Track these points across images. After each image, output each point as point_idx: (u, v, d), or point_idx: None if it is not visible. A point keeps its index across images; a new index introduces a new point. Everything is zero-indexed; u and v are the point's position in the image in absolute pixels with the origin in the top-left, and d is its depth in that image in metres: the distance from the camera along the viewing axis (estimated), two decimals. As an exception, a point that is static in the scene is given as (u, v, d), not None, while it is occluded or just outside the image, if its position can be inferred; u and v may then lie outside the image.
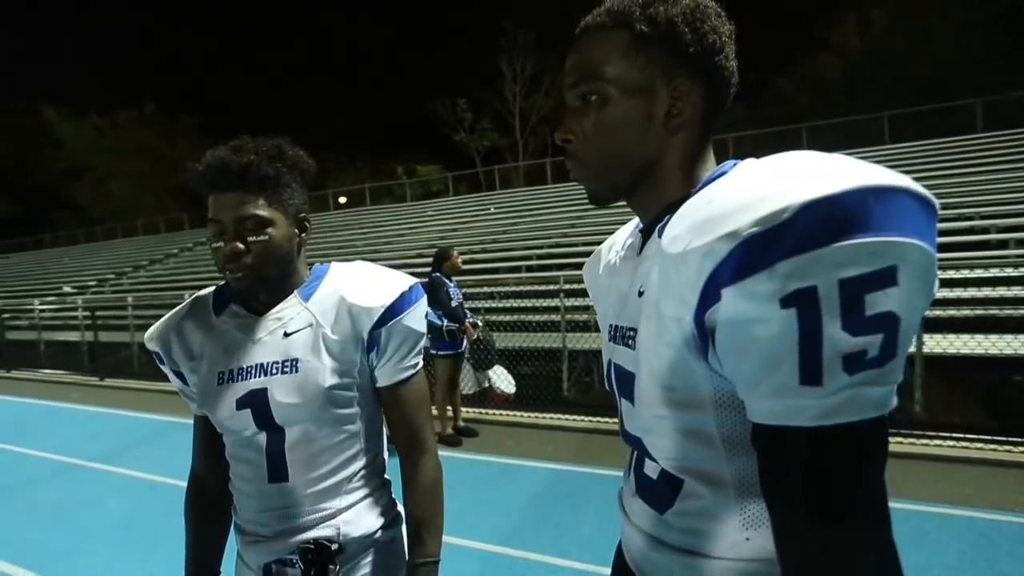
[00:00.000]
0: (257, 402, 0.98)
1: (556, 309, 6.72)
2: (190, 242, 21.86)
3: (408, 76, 58.34)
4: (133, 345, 9.81)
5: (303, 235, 1.04)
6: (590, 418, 5.25)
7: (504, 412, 5.64)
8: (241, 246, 0.93)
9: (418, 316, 1.05)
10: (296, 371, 0.98)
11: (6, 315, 11.96)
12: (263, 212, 0.95)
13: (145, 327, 10.36)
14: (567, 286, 6.55)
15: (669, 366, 0.59)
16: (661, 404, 0.62)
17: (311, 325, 1.00)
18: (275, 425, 0.98)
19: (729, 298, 0.48)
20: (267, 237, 0.95)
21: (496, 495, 3.73)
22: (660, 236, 0.60)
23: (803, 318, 0.44)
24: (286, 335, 1.00)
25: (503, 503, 3.60)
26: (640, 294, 0.65)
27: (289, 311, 1.02)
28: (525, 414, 5.55)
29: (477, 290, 7.54)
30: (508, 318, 7.38)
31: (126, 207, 33.73)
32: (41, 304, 12.35)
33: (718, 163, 0.70)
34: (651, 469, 0.69)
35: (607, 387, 0.79)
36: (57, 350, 11.16)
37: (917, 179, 0.45)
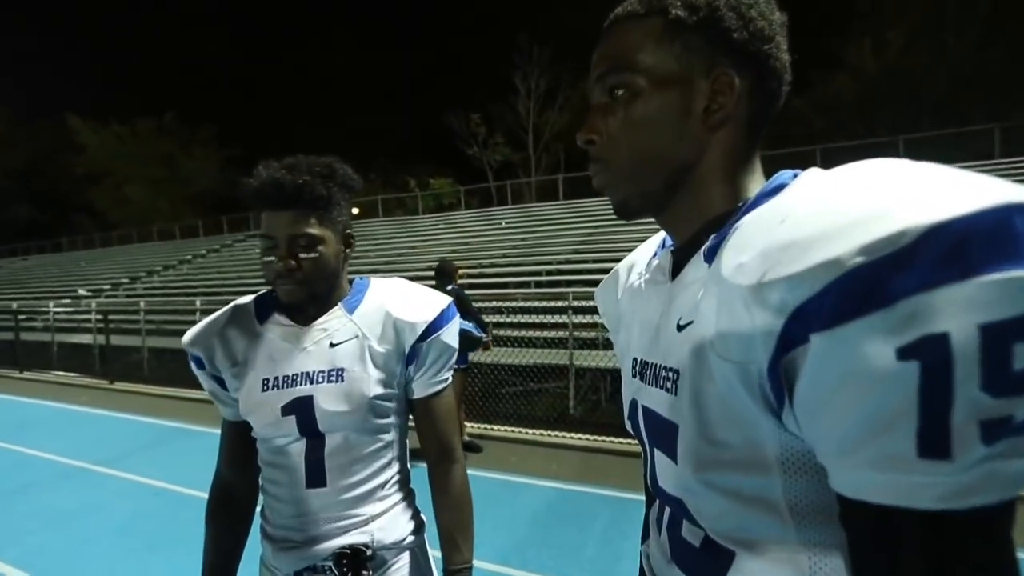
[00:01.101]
0: (302, 409, 1.01)
1: (564, 326, 6.70)
2: (204, 249, 22.12)
3: (422, 90, 59.12)
4: (143, 349, 9.90)
5: (348, 250, 1.08)
6: (596, 437, 5.19)
7: (509, 428, 5.60)
8: (294, 263, 0.97)
9: (453, 332, 1.11)
10: (342, 380, 1.02)
11: (21, 316, 12.12)
12: (315, 231, 0.99)
13: (156, 332, 10.50)
14: (576, 303, 6.54)
15: (725, 419, 0.49)
16: (712, 464, 0.51)
17: (357, 337, 1.04)
18: (317, 432, 1.02)
19: (822, 345, 0.38)
20: (318, 254, 0.99)
21: (498, 512, 3.69)
22: (708, 261, 0.53)
23: (928, 373, 0.34)
24: (332, 345, 1.04)
25: (506, 521, 3.55)
26: (680, 327, 0.55)
27: (334, 322, 1.05)
28: (530, 431, 5.51)
29: (486, 304, 7.54)
30: (516, 333, 7.37)
31: (142, 213, 34.29)
32: (56, 306, 12.52)
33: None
34: (692, 535, 0.58)
35: (630, 430, 0.70)
36: (69, 352, 11.28)
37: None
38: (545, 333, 7.12)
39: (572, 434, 5.34)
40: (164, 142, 35.94)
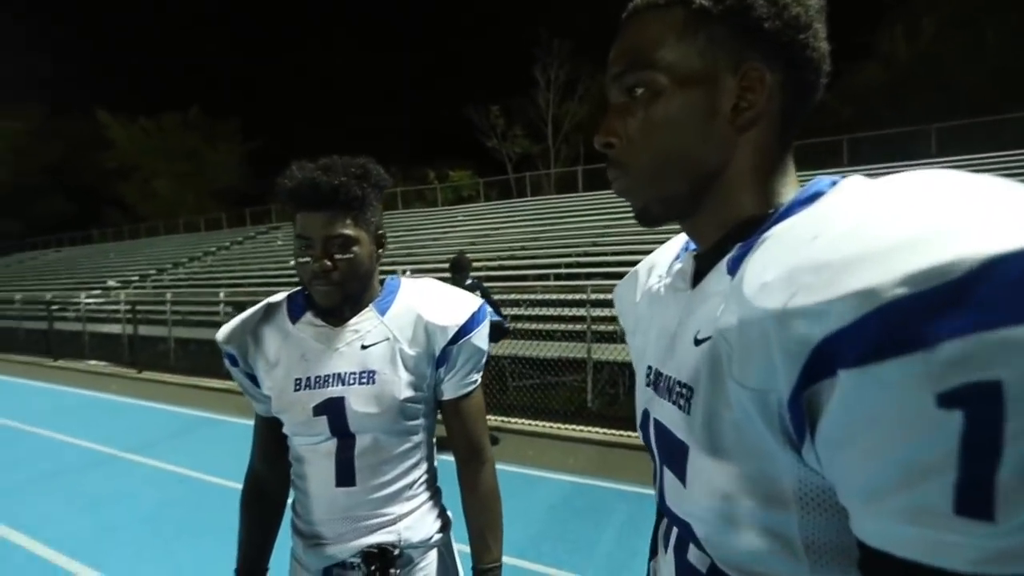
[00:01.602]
0: (334, 410, 1.02)
1: (582, 319, 6.67)
2: (227, 241, 22.52)
3: (443, 82, 59.12)
4: (170, 339, 10.14)
5: (380, 251, 1.10)
6: (613, 431, 5.18)
7: (526, 421, 5.62)
8: (329, 263, 0.98)
9: (484, 335, 1.11)
10: (373, 383, 1.03)
11: (55, 307, 12.51)
12: (350, 232, 0.99)
13: (182, 323, 10.74)
14: (594, 296, 6.50)
15: (740, 448, 0.45)
16: (724, 493, 0.47)
17: (388, 339, 1.05)
18: (348, 432, 1.03)
19: (851, 382, 0.34)
20: (353, 255, 1.00)
21: (514, 506, 3.68)
22: (731, 273, 0.48)
23: (973, 424, 0.30)
24: (364, 347, 1.05)
25: (521, 514, 3.57)
26: (697, 342, 0.51)
27: (366, 324, 1.06)
28: (547, 424, 5.52)
29: (505, 297, 7.54)
30: (534, 326, 7.37)
31: (169, 206, 35.03)
32: (87, 297, 12.90)
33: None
34: (698, 560, 0.55)
35: (641, 439, 0.67)
36: (100, 342, 11.62)
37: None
38: (563, 326, 7.10)
39: (589, 428, 5.33)
40: (189, 136, 36.60)
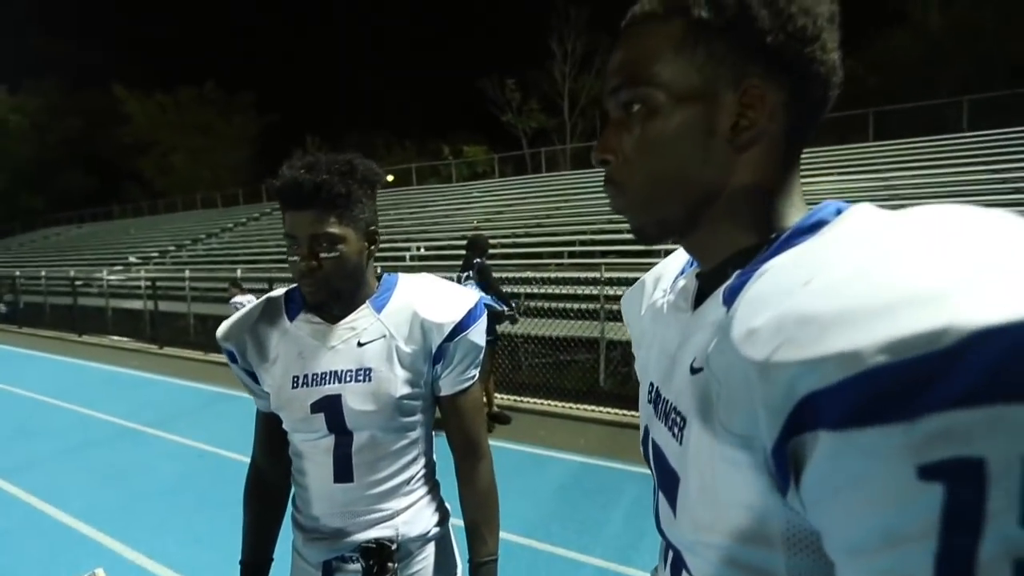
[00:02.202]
0: (331, 407, 1.03)
1: (596, 297, 6.64)
2: (244, 217, 22.73)
3: (457, 55, 58.20)
4: (189, 315, 10.33)
5: (372, 247, 1.07)
6: (624, 411, 5.19)
7: (538, 400, 5.66)
8: (315, 263, 0.98)
9: (481, 331, 1.10)
10: (370, 380, 1.03)
11: (79, 283, 12.79)
12: (335, 230, 0.98)
13: (201, 299, 10.93)
14: (608, 275, 6.46)
15: (728, 487, 0.44)
16: (710, 528, 0.47)
17: (384, 336, 1.05)
18: (345, 429, 1.03)
19: (831, 444, 0.33)
20: (339, 253, 0.99)
21: (525, 485, 3.76)
22: (727, 304, 0.47)
23: (954, 499, 0.30)
24: (360, 345, 1.04)
25: (531, 494, 3.62)
26: (693, 371, 0.50)
27: (362, 321, 1.06)
28: (559, 403, 5.55)
29: (518, 275, 7.53)
30: (547, 304, 7.36)
31: (186, 181, 35.30)
32: (109, 273, 13.15)
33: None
34: None
35: (642, 454, 0.66)
36: (122, 317, 11.90)
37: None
38: (577, 304, 7.08)
39: (601, 408, 5.36)
40: (205, 111, 36.67)
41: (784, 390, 0.35)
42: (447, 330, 1.04)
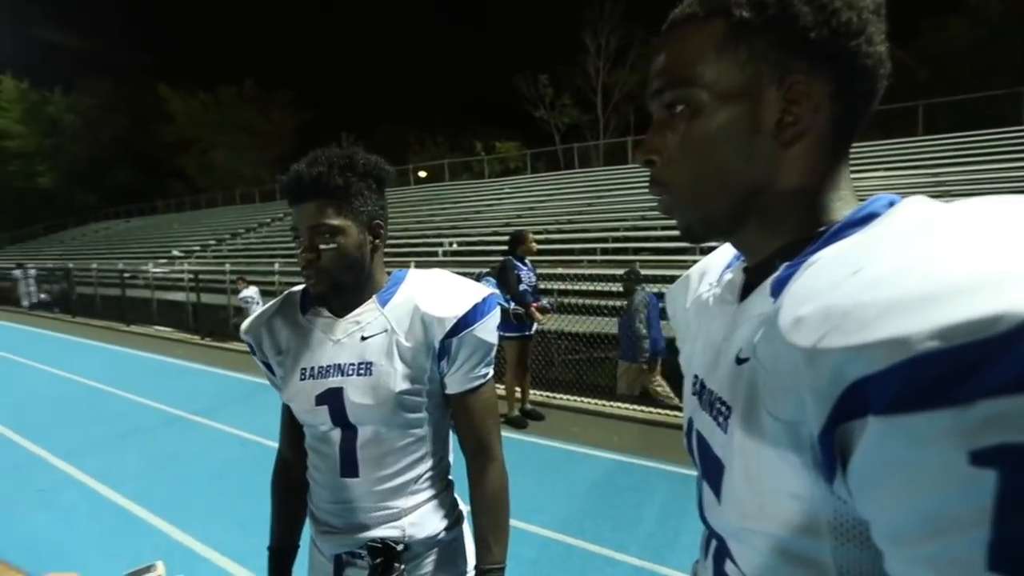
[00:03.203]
0: (334, 400, 1.03)
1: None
2: (280, 212, 23.27)
3: (490, 50, 58.23)
4: (229, 307, 10.66)
5: (377, 241, 1.07)
6: (658, 410, 5.14)
7: (571, 397, 5.65)
8: (313, 254, 0.99)
9: (490, 327, 1.07)
10: (370, 374, 1.02)
11: (126, 275, 13.34)
12: (333, 221, 0.99)
13: (238, 292, 11.28)
14: (642, 271, 6.38)
15: (773, 476, 0.44)
16: (756, 516, 0.47)
17: (386, 331, 1.04)
18: (349, 423, 1.04)
19: (880, 429, 0.33)
20: (337, 245, 1.00)
21: (558, 481, 3.77)
22: (774, 295, 0.47)
23: (1009, 485, 0.29)
24: (363, 339, 1.04)
25: (564, 490, 3.62)
26: (739, 361, 0.50)
27: (367, 315, 1.06)
28: (592, 401, 5.53)
29: (551, 271, 7.52)
30: (580, 301, 7.33)
31: (226, 177, 36.34)
32: (154, 266, 13.68)
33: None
34: (734, 574, 0.55)
35: (685, 446, 0.66)
36: (167, 308, 12.37)
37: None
38: (610, 301, 7.03)
39: (635, 406, 5.31)
40: (244, 108, 37.65)
41: (831, 376, 0.35)
42: (448, 325, 1.02)
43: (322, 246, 0.99)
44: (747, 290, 0.56)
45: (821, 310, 0.37)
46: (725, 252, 0.70)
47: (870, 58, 0.48)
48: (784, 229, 0.53)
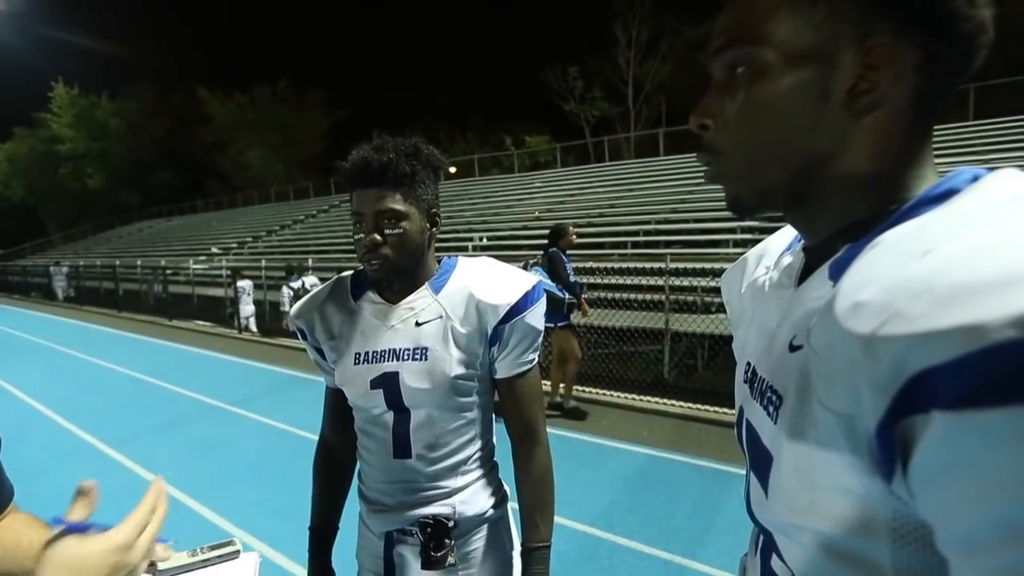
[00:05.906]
0: (389, 384, 1.06)
1: (661, 288, 6.49)
2: (314, 210, 23.78)
3: (520, 43, 58.04)
4: (265, 303, 10.96)
5: (434, 229, 1.10)
6: (690, 404, 5.05)
7: (602, 391, 5.61)
8: (379, 238, 1.01)
9: (538, 314, 1.10)
10: (426, 359, 1.05)
11: (168, 271, 13.85)
12: (399, 206, 1.02)
13: (275, 287, 11.53)
14: (673, 265, 6.29)
15: (826, 471, 0.41)
16: (806, 513, 0.44)
17: (441, 317, 1.07)
18: (403, 406, 1.07)
19: (947, 425, 0.30)
20: (402, 230, 1.02)
21: (588, 475, 3.74)
22: (833, 279, 0.44)
23: None
24: (418, 324, 1.07)
25: (595, 484, 3.60)
26: (792, 348, 0.47)
27: (421, 302, 1.09)
28: (623, 395, 5.48)
29: (581, 265, 7.47)
30: (611, 295, 7.26)
31: (261, 176, 37.28)
32: (194, 263, 14.15)
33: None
34: (781, 570, 0.52)
35: (736, 435, 0.63)
36: (207, 304, 12.79)
37: None
38: (641, 295, 6.95)
39: (666, 400, 5.24)
40: (278, 109, 38.51)
41: (892, 366, 0.32)
42: (502, 312, 1.05)
43: (387, 231, 1.02)
44: (806, 273, 0.52)
45: (883, 293, 0.34)
46: (785, 234, 0.66)
47: (970, 22, 0.42)
48: (849, 207, 0.48)
